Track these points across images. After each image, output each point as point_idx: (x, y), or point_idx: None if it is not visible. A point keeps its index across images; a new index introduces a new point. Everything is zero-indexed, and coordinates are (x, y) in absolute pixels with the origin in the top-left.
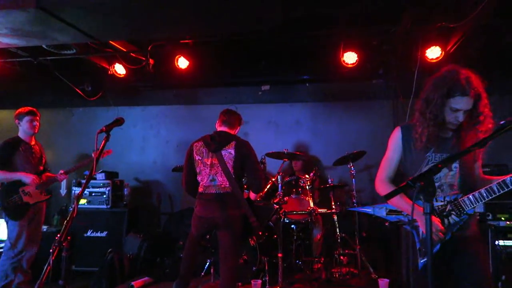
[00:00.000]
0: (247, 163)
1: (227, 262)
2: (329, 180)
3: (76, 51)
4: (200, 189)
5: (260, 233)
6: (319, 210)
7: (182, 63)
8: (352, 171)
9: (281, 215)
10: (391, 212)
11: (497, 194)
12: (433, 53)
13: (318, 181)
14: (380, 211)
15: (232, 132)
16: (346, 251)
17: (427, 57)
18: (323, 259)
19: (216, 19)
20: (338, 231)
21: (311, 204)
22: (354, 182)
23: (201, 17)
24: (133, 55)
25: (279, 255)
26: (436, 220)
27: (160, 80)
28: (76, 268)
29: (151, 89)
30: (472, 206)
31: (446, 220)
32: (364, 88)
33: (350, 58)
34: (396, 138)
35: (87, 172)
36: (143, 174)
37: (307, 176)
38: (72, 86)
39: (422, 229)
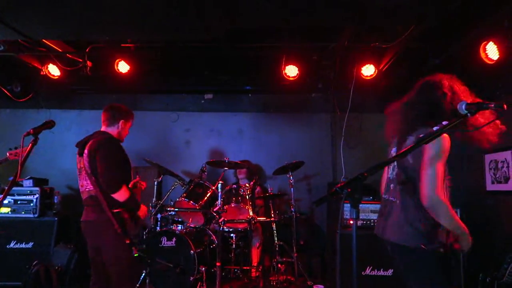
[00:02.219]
0: (97, 160)
1: (107, 270)
2: (269, 189)
3: (4, 48)
4: None
5: (128, 242)
6: (258, 218)
7: (123, 67)
8: (291, 180)
9: (220, 223)
10: None
11: None
12: (368, 70)
13: (260, 190)
14: None
15: (110, 130)
16: (284, 259)
17: (362, 74)
18: (261, 267)
19: (160, 25)
20: (276, 239)
21: (251, 213)
22: (292, 192)
23: (144, 22)
24: (70, 56)
25: (218, 264)
26: None
27: (98, 84)
28: None
29: (89, 93)
30: None
31: None
32: (304, 101)
33: (291, 71)
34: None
35: (11, 178)
36: (76, 182)
37: (247, 185)
38: None
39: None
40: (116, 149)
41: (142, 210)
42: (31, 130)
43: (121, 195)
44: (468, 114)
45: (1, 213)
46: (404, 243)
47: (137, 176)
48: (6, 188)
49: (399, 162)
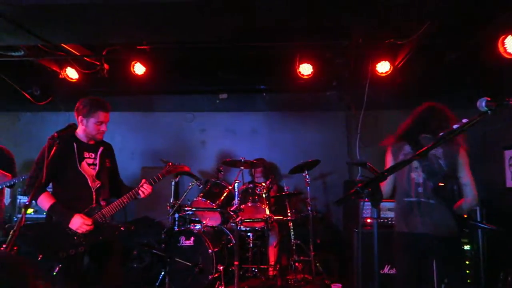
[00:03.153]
0: None
1: None
2: (285, 188)
3: (24, 53)
4: None
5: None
6: (275, 217)
7: (139, 69)
8: (307, 179)
9: (237, 222)
10: None
11: None
12: (383, 67)
13: (276, 188)
14: None
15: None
16: (301, 257)
17: (377, 71)
18: (278, 266)
19: (175, 27)
20: (293, 238)
21: (267, 212)
22: (309, 190)
23: (159, 25)
24: (87, 59)
25: (235, 263)
26: None
27: (115, 86)
28: None
29: (106, 95)
30: None
31: None
32: (319, 99)
33: (305, 69)
34: None
35: None
36: None
37: (263, 184)
38: (19, 90)
39: None
40: (42, 150)
41: (73, 223)
42: (55, 134)
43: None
44: (488, 112)
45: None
46: (448, 235)
47: (143, 180)
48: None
49: (426, 169)
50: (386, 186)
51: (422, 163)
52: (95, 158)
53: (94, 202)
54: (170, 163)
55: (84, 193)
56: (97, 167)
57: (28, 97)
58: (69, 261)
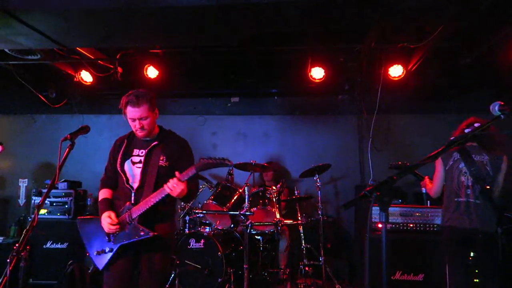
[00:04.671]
0: None
1: None
2: (296, 192)
3: (40, 56)
4: None
5: None
6: (285, 221)
7: (151, 72)
8: (318, 183)
9: (247, 226)
10: None
11: None
12: (396, 71)
13: (286, 192)
14: None
15: None
16: (311, 262)
17: (390, 75)
18: (288, 270)
19: (187, 31)
20: (303, 242)
21: (278, 216)
22: (319, 194)
23: (172, 29)
24: (101, 62)
25: (245, 266)
26: None
27: (128, 89)
28: (34, 281)
29: (119, 98)
30: None
31: None
32: (331, 103)
33: (317, 73)
34: None
35: (48, 181)
36: None
37: (274, 187)
38: (35, 92)
39: None
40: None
41: (102, 222)
42: (68, 136)
43: None
44: (502, 116)
45: (40, 214)
46: (491, 230)
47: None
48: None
49: (474, 174)
50: (438, 187)
51: (471, 168)
52: (142, 156)
53: (132, 202)
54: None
55: (123, 193)
56: (141, 165)
57: (44, 99)
58: (102, 261)
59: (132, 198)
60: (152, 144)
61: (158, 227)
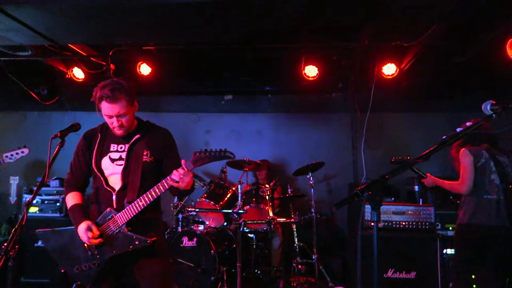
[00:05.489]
0: None
1: None
2: (289, 190)
3: (32, 53)
4: None
5: None
6: (279, 219)
7: (144, 69)
8: (311, 181)
9: (240, 224)
10: None
11: None
12: (389, 69)
13: (280, 190)
14: None
15: None
16: (304, 260)
17: (383, 73)
18: (281, 268)
19: (181, 28)
20: (296, 240)
21: (271, 214)
22: (312, 192)
23: (166, 25)
24: (93, 59)
25: (238, 264)
26: None
27: None
28: (26, 279)
29: None
30: None
31: None
32: (324, 101)
33: (311, 71)
34: None
35: (39, 179)
36: None
37: (267, 185)
38: (26, 89)
39: None
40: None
41: (79, 233)
42: (58, 133)
43: None
44: (493, 115)
45: (30, 212)
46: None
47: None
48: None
49: (500, 173)
50: (471, 183)
51: (497, 168)
52: (123, 151)
53: (114, 206)
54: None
55: (102, 196)
56: (123, 163)
57: (35, 96)
58: (88, 278)
59: (114, 202)
60: (134, 138)
61: (149, 232)
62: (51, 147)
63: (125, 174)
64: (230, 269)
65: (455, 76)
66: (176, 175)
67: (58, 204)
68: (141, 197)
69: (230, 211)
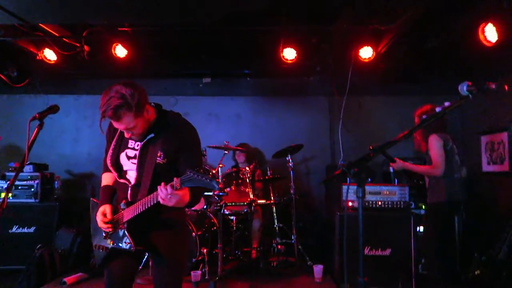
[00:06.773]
0: None
1: None
2: (268, 173)
3: (0, 33)
4: None
5: None
6: (259, 201)
7: (120, 51)
8: (290, 163)
9: (220, 206)
10: None
11: None
12: (366, 53)
13: (260, 173)
14: None
15: None
16: (284, 240)
17: (360, 56)
18: (261, 249)
19: (159, 8)
20: (276, 221)
21: (251, 196)
22: (292, 174)
23: (142, 5)
24: (66, 40)
25: (219, 245)
26: None
27: (96, 69)
28: (1, 266)
29: (86, 78)
30: None
31: None
32: (302, 84)
33: (289, 54)
34: None
35: (12, 164)
36: (76, 167)
37: (247, 168)
38: None
39: None
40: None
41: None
42: (37, 115)
43: None
44: (470, 96)
45: (2, 198)
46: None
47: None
48: (9, 174)
49: (459, 152)
50: (444, 165)
51: (458, 150)
52: (137, 150)
53: (129, 199)
54: None
55: (121, 185)
56: (136, 162)
57: (4, 79)
58: (98, 258)
59: (129, 194)
60: (148, 138)
61: (157, 235)
62: (30, 129)
63: (139, 173)
64: (211, 251)
65: (429, 60)
66: (159, 193)
67: (32, 189)
68: (141, 201)
69: (211, 193)
